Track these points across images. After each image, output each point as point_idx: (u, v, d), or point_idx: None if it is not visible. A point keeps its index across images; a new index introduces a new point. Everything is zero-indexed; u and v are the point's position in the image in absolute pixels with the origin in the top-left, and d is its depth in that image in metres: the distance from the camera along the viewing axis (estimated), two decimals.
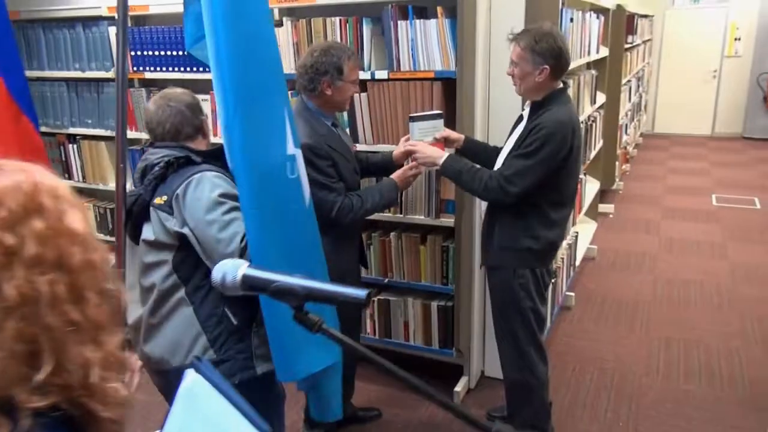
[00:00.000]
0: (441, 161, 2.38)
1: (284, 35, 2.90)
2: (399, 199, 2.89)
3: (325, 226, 2.23)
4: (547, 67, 2.21)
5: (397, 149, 2.55)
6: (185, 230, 1.72)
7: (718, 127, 10.06)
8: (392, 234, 2.98)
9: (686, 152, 8.94)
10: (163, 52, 3.26)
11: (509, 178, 2.23)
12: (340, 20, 2.77)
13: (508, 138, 2.44)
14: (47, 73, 3.71)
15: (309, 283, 0.92)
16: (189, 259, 1.77)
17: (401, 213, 2.92)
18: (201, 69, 3.14)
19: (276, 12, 3.01)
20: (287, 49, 2.88)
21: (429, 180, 2.81)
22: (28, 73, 3.76)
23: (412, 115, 2.51)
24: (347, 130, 2.85)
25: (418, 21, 2.64)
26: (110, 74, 3.46)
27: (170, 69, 3.27)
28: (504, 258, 2.45)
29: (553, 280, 3.26)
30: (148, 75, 3.35)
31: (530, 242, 2.36)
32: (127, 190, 1.96)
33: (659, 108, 10.40)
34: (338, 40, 2.78)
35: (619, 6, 5.22)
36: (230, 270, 0.97)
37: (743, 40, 9.66)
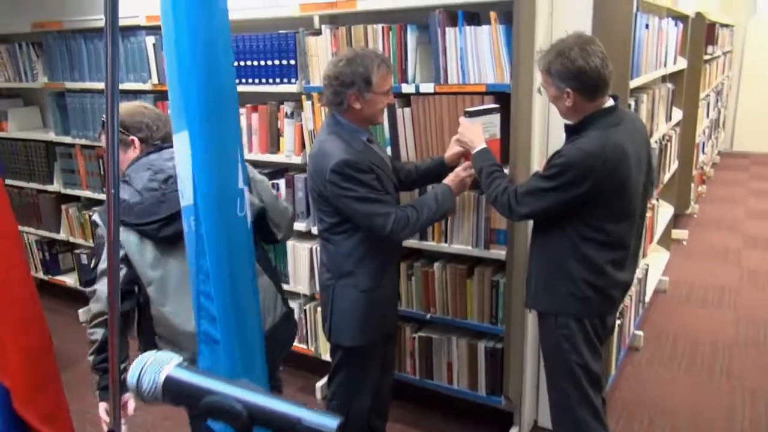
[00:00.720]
0: (476, 149, 2.17)
1: (323, 44, 2.66)
2: (445, 229, 2.59)
3: (374, 249, 2.19)
4: (569, 90, 1.93)
5: (449, 150, 2.31)
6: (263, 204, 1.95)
7: None
8: (436, 264, 2.68)
9: (763, 172, 8.21)
10: None
11: (521, 196, 2.01)
12: (383, 27, 2.51)
13: None
14: (88, 85, 3.62)
15: (261, 402, 0.63)
16: None
17: (446, 242, 2.61)
18: (238, 81, 2.93)
19: (316, 20, 2.78)
20: (326, 59, 2.64)
21: (478, 206, 2.50)
22: (70, 85, 3.70)
23: (467, 109, 2.26)
24: (388, 149, 2.58)
25: (468, 28, 2.34)
26: (147, 86, 3.32)
27: None
28: (541, 301, 2.14)
29: (619, 321, 2.88)
30: None
31: (569, 285, 2.04)
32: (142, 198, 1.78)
33: (739, 124, 9.64)
34: (380, 49, 2.51)
35: (699, 13, 4.75)
36: (150, 369, 0.69)
37: None
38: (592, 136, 1.93)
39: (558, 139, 2.45)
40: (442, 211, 2.18)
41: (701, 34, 4.85)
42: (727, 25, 7.18)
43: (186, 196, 1.53)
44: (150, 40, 3.22)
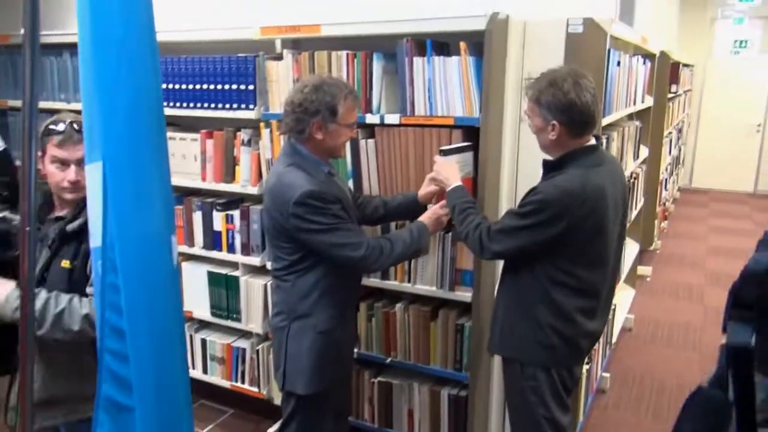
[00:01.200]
0: (450, 186, 2.06)
1: (284, 69, 2.52)
2: (409, 268, 2.45)
3: (333, 287, 2.06)
4: (555, 122, 1.83)
5: (423, 188, 2.21)
6: None
7: (762, 184, 9.45)
8: (398, 306, 2.52)
9: (728, 209, 8.34)
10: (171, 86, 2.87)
11: (494, 234, 1.89)
12: (348, 54, 2.38)
13: None
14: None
15: None
16: None
17: (409, 281, 2.46)
18: (194, 105, 2.76)
19: (278, 44, 2.64)
20: (286, 86, 2.49)
21: (443, 245, 2.36)
22: (13, 103, 3.47)
23: (442, 148, 2.16)
24: (350, 181, 2.44)
25: (437, 58, 2.23)
26: None
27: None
28: (506, 346, 2.02)
29: (587, 366, 2.76)
30: None
31: (536, 331, 1.92)
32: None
33: (698, 162, 9.84)
34: (344, 77, 2.38)
35: (663, 52, 4.79)
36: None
37: None
38: (572, 174, 1.82)
39: (528, 176, 2.34)
40: (415, 247, 2.06)
41: (666, 73, 4.89)
42: (687, 65, 7.32)
43: (95, 237, 1.34)
44: None
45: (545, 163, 1.95)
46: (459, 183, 2.07)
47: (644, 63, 3.48)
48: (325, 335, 2.06)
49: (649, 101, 4.04)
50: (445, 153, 2.13)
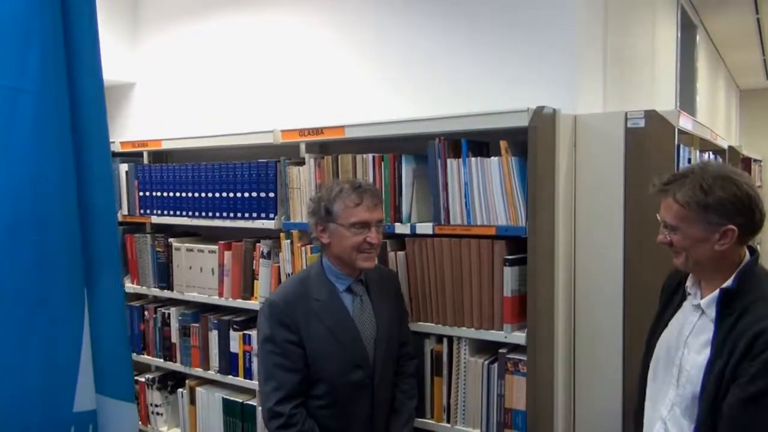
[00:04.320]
0: None
1: (306, 175, 2.28)
2: (447, 405, 2.05)
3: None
4: (733, 227, 1.35)
5: None
6: None
7: None
8: None
9: None
10: (173, 193, 2.72)
11: None
12: (374, 157, 2.13)
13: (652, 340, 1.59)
14: None
15: None
16: None
17: (447, 422, 2.05)
18: (212, 214, 2.55)
19: (302, 148, 2.43)
20: (309, 192, 2.24)
21: (488, 378, 1.96)
22: None
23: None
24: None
25: (474, 159, 1.94)
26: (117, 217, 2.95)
27: (180, 213, 2.69)
28: None
29: None
30: (155, 219, 2.79)
31: None
32: None
33: None
34: (370, 181, 2.11)
35: (731, 147, 4.40)
36: None
37: None
38: None
39: (587, 295, 1.96)
40: None
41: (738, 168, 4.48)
42: (757, 160, 6.87)
43: None
44: (123, 168, 2.89)
45: (727, 293, 1.39)
46: None
47: (716, 158, 3.12)
48: None
49: None
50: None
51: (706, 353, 1.40)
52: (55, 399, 1.08)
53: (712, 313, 1.42)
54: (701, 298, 1.46)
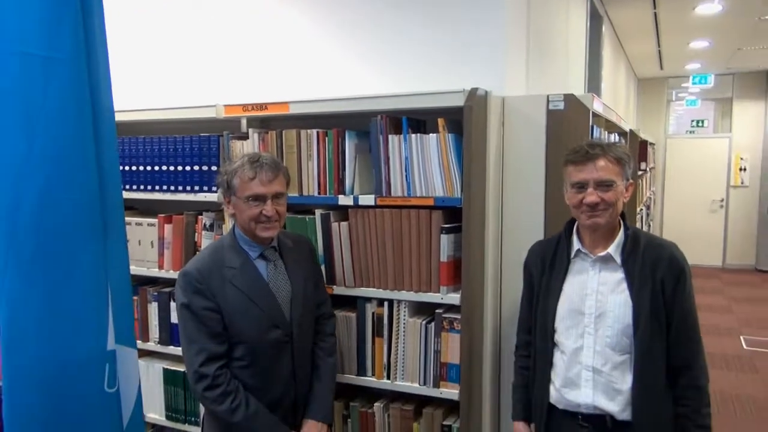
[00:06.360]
0: None
1: (249, 149, 2.35)
2: (388, 363, 2.22)
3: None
4: (632, 182, 1.79)
5: None
6: None
7: (730, 258, 9.53)
8: (376, 405, 2.27)
9: (700, 284, 8.31)
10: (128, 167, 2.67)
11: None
12: (318, 133, 2.24)
13: (545, 289, 1.86)
14: None
15: None
16: None
17: (388, 378, 2.22)
18: (152, 187, 2.57)
19: (243, 123, 2.49)
20: None
21: (425, 336, 2.15)
22: None
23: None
24: (322, 267, 2.23)
25: (413, 135, 2.10)
26: None
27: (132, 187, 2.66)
28: None
29: None
30: None
31: None
32: None
33: (665, 237, 9.92)
34: (315, 156, 2.23)
35: (632, 130, 4.82)
36: None
37: (749, 170, 9.39)
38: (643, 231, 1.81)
39: (512, 257, 2.18)
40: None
41: (636, 150, 4.91)
42: (651, 143, 7.47)
43: None
44: None
45: (630, 237, 1.77)
46: None
47: (620, 140, 3.45)
48: None
49: None
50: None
51: (623, 289, 1.71)
52: (97, 336, 1.15)
53: (618, 256, 1.74)
54: (602, 252, 1.77)
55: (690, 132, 10.45)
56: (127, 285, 1.39)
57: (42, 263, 1.11)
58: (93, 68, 1.20)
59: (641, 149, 5.20)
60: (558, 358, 1.84)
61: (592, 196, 1.70)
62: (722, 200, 9.56)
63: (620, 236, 1.77)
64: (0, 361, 1.11)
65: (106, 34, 1.27)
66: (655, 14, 5.95)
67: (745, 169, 9.42)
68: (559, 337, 1.83)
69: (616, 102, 6.86)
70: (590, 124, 2.19)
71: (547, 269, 1.89)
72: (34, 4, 1.11)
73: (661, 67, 9.01)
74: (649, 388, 1.71)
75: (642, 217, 6.24)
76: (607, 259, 1.77)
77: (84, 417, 1.13)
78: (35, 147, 1.11)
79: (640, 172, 5.32)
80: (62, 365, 1.12)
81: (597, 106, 2.35)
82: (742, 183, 9.45)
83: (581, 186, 1.72)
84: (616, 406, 1.73)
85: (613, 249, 1.76)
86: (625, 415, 1.73)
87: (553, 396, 1.84)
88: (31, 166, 1.11)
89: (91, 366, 1.16)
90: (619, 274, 1.75)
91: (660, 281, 1.71)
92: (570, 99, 2.15)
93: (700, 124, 10.29)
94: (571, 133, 2.17)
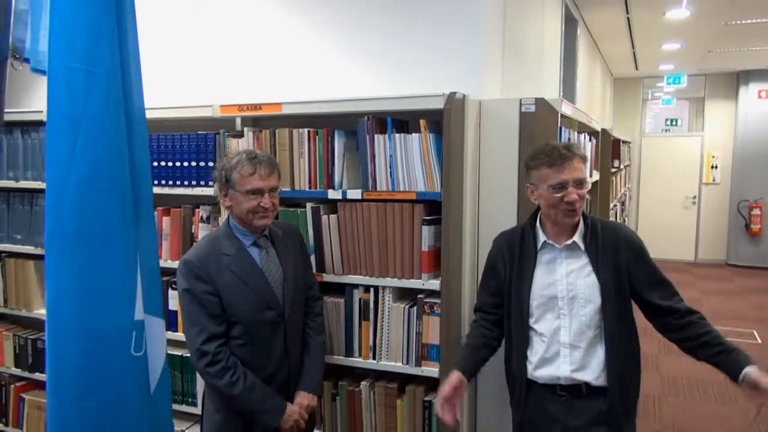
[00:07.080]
0: None
1: (244, 147, 2.52)
2: (373, 345, 2.41)
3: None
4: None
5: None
6: None
7: (702, 253, 9.88)
8: (363, 383, 2.46)
9: (673, 278, 8.54)
10: None
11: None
12: (309, 132, 2.42)
13: (518, 274, 2.04)
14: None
15: None
16: None
17: (374, 358, 2.41)
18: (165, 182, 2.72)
19: (238, 122, 2.66)
20: None
21: (408, 319, 2.34)
22: None
23: None
24: (312, 257, 2.41)
25: (397, 135, 2.29)
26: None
27: None
28: None
29: None
30: None
31: None
32: None
33: (641, 232, 10.22)
34: (306, 153, 2.41)
35: (604, 130, 5.05)
36: None
37: (720, 168, 9.73)
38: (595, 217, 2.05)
39: (488, 246, 2.38)
40: (256, 415, 2.06)
41: (608, 149, 5.13)
42: (626, 142, 7.74)
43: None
44: None
45: (589, 225, 1.99)
46: None
47: (590, 140, 3.66)
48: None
49: (596, 176, 4.22)
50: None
51: (589, 272, 1.93)
52: (126, 307, 1.32)
53: (581, 243, 1.94)
54: (568, 241, 1.97)
55: (665, 131, 10.78)
56: (155, 264, 1.57)
57: (81, 243, 1.29)
58: (127, 79, 1.37)
59: (614, 148, 5.43)
60: (536, 340, 2.02)
61: (573, 195, 1.87)
62: (695, 197, 9.89)
63: (581, 226, 1.98)
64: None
65: (139, 49, 1.45)
66: (628, 18, 6.20)
67: (716, 167, 9.76)
68: (535, 320, 2.02)
69: (592, 101, 7.12)
70: (559, 125, 2.39)
71: (516, 259, 2.06)
72: (78, 27, 1.28)
73: (636, 68, 9.29)
74: (620, 356, 1.94)
75: (616, 212, 6.50)
76: (573, 247, 1.97)
77: (113, 377, 1.31)
78: (78, 145, 1.28)
79: (613, 170, 5.55)
80: (94, 330, 1.29)
81: (566, 109, 2.56)
82: (713, 180, 9.79)
83: (562, 186, 1.88)
84: (591, 374, 1.95)
85: (578, 237, 1.97)
86: (599, 382, 1.94)
87: (531, 372, 2.02)
88: (75, 161, 1.28)
89: (120, 333, 1.34)
90: (584, 259, 1.96)
91: (625, 264, 1.94)
92: (541, 102, 2.36)
93: (674, 123, 10.61)
94: (541, 133, 2.37)
